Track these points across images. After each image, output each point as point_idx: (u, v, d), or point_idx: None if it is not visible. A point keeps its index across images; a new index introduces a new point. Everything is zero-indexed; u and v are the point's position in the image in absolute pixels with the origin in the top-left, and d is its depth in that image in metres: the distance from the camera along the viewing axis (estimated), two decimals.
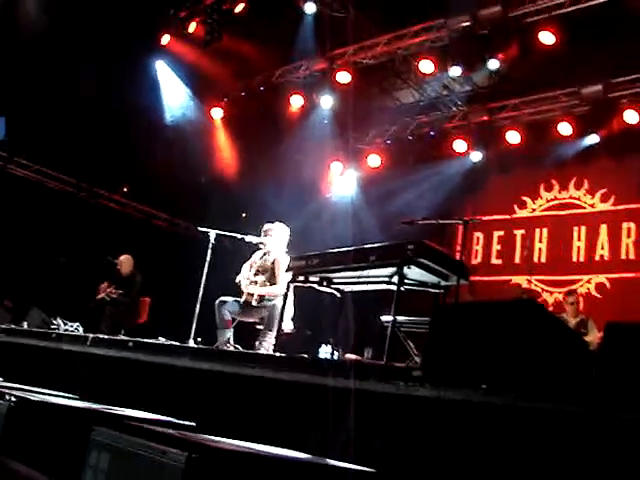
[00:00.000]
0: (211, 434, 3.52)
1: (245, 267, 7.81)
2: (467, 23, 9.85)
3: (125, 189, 13.13)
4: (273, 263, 7.54)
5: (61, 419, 3.53)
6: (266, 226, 7.82)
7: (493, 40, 9.83)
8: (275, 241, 7.73)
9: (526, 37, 9.74)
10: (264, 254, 7.78)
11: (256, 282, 7.58)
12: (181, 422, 3.90)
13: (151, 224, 13.75)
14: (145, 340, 6.84)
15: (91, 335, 6.79)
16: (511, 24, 9.71)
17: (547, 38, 9.51)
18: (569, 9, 9.37)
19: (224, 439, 3.36)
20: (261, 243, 7.75)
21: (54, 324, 9.21)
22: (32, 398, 3.75)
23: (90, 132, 10.95)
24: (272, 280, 7.49)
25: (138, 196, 13.29)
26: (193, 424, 3.90)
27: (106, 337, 6.99)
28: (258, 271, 7.67)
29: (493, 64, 10.05)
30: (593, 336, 8.36)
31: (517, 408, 3.40)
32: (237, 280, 7.69)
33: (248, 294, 7.45)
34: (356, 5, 10.63)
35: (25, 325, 8.96)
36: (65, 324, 9.28)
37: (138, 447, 2.82)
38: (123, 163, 11.88)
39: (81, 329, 9.27)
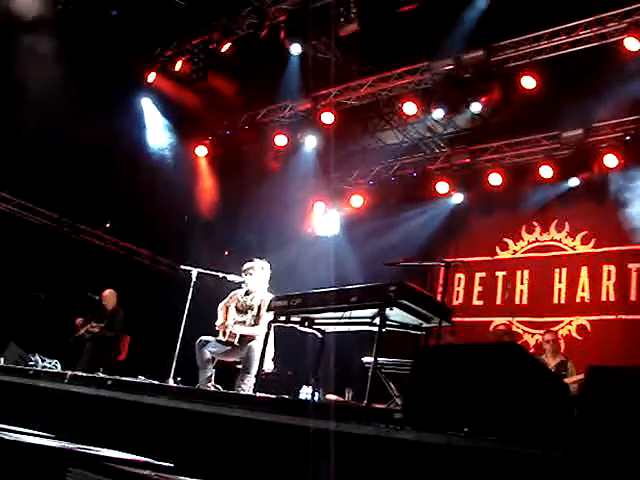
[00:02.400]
0: (189, 475, 3.47)
1: (221, 306, 7.77)
2: (450, 67, 10.02)
3: (107, 225, 13.06)
4: (260, 302, 7.50)
5: (36, 459, 3.47)
6: (246, 265, 7.79)
7: (476, 84, 10.00)
8: (257, 279, 7.70)
9: (508, 81, 9.90)
10: (246, 293, 7.75)
11: (243, 322, 7.53)
12: (159, 463, 3.84)
13: (133, 261, 13.67)
14: (124, 378, 6.75)
15: (69, 372, 6.69)
16: (493, 68, 9.89)
17: (528, 82, 9.68)
18: (550, 55, 9.56)
19: None
20: (243, 282, 7.72)
21: (32, 360, 9.10)
22: (6, 437, 3.68)
23: (73, 167, 10.92)
24: (257, 320, 7.45)
25: (120, 232, 13.23)
26: (171, 465, 3.84)
27: (84, 375, 6.90)
28: (240, 310, 7.62)
29: (476, 107, 10.22)
30: (573, 379, 8.38)
31: (499, 451, 3.38)
32: (217, 323, 7.62)
33: (230, 334, 7.40)
34: (341, 47, 10.75)
35: (2, 361, 8.83)
36: (43, 360, 9.17)
37: None
38: (106, 199, 11.84)
39: (59, 366, 9.16)
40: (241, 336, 7.37)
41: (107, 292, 10.32)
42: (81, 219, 12.71)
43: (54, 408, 6.25)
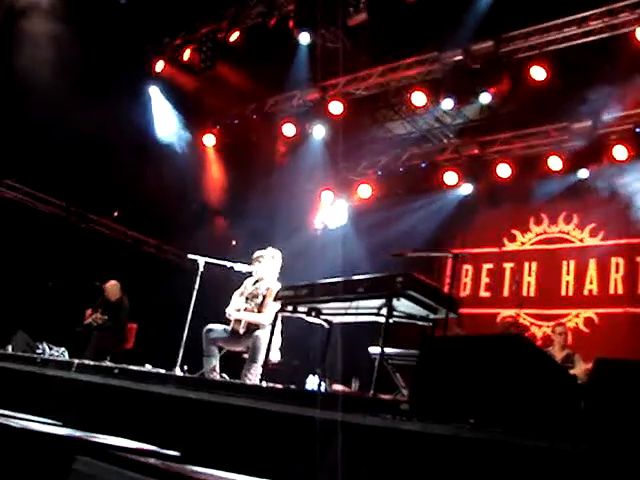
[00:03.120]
0: (196, 464, 3.48)
1: (235, 295, 7.77)
2: (460, 57, 9.97)
3: (115, 214, 13.08)
4: (266, 291, 7.50)
5: (43, 447, 3.49)
6: (257, 253, 7.80)
7: (485, 74, 9.95)
8: (266, 268, 7.70)
9: (518, 72, 9.85)
10: (256, 281, 7.75)
11: (245, 308, 7.54)
12: (166, 452, 3.85)
13: (140, 250, 13.70)
14: (131, 367, 6.78)
15: (76, 361, 6.72)
16: (503, 59, 9.83)
17: (538, 74, 9.62)
18: (560, 46, 9.51)
19: (209, 470, 3.33)
20: (252, 270, 7.72)
21: (39, 349, 9.13)
22: (13, 425, 3.70)
23: (81, 156, 10.94)
24: (260, 308, 7.45)
25: (128, 221, 13.25)
26: (178, 454, 3.85)
27: (91, 363, 6.92)
28: (248, 298, 7.63)
29: (485, 98, 10.16)
30: (579, 369, 8.37)
31: (505, 443, 3.38)
32: (228, 310, 7.63)
33: (236, 322, 7.40)
34: (350, 36, 10.72)
35: (10, 349, 8.87)
36: (50, 349, 9.21)
37: (121, 478, 2.78)
38: (114, 187, 11.85)
39: (67, 354, 9.20)
40: (247, 325, 7.37)
41: (109, 284, 10.31)
42: (89, 208, 12.74)
43: (61, 396, 6.28)
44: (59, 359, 8.34)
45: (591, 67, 9.48)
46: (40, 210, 12.20)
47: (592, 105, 9.83)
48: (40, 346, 9.18)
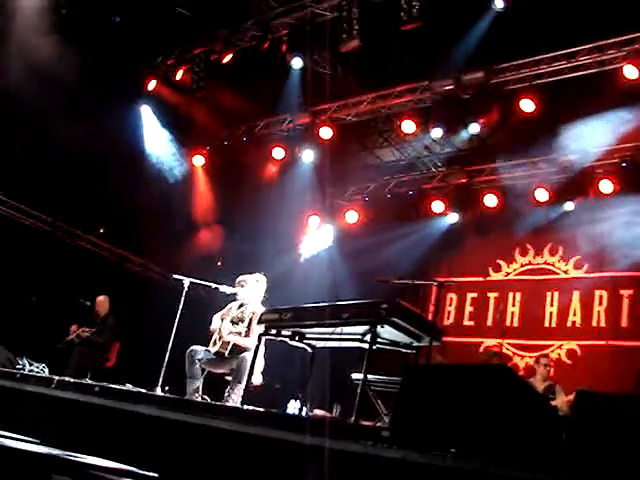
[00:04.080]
0: None
1: (216, 317, 7.75)
2: (450, 87, 10.08)
3: (101, 230, 13.04)
4: (252, 315, 7.49)
5: (20, 465, 3.45)
6: (241, 277, 7.79)
7: (475, 105, 10.05)
8: (249, 292, 7.69)
9: (507, 103, 9.95)
10: (241, 305, 7.74)
11: (237, 332, 7.51)
12: (144, 473, 3.82)
13: (125, 268, 13.64)
14: (111, 386, 6.72)
15: (56, 377, 6.65)
16: (493, 90, 9.92)
17: (527, 106, 9.71)
18: (549, 79, 9.62)
19: None
20: (235, 294, 7.71)
21: (20, 364, 9.06)
22: None
23: (69, 172, 10.92)
24: (247, 332, 7.43)
25: (114, 239, 13.21)
26: (156, 475, 3.82)
27: (72, 380, 6.86)
28: (234, 322, 7.61)
29: (474, 128, 10.25)
30: (560, 401, 8.40)
31: (486, 473, 3.37)
32: (212, 329, 7.61)
33: (222, 345, 7.38)
34: (342, 63, 10.80)
35: None
36: (31, 364, 9.13)
37: None
38: (101, 205, 11.83)
39: (47, 370, 9.12)
40: (232, 347, 7.34)
41: (101, 298, 10.33)
42: (75, 224, 12.69)
43: (40, 413, 6.21)
44: (39, 375, 8.26)
45: (579, 101, 9.58)
46: (26, 224, 12.15)
47: (579, 138, 9.93)
48: (20, 361, 9.11)
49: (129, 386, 7.49)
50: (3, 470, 3.40)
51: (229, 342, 7.35)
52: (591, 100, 9.41)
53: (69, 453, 4.09)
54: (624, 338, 10.14)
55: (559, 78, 9.58)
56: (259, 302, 7.66)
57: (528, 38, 9.27)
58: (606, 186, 10.19)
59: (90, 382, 7.57)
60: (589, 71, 9.29)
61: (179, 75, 11.79)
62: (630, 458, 3.23)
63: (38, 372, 8.89)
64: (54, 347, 9.86)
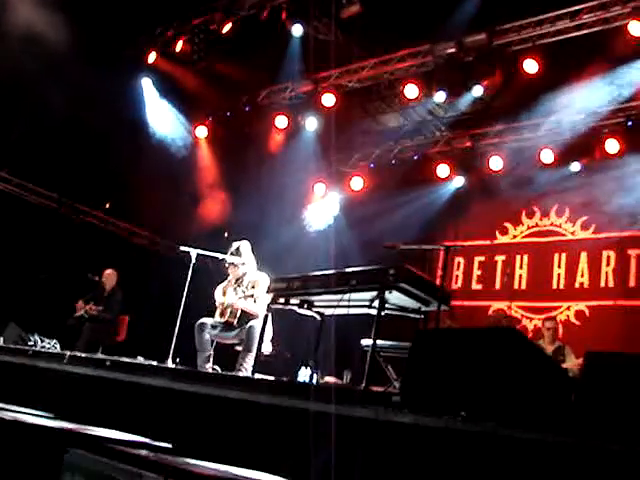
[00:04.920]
0: (188, 456, 3.48)
1: (218, 290, 7.78)
2: (452, 50, 9.96)
3: (107, 205, 13.04)
4: (252, 282, 7.53)
5: (35, 439, 3.48)
6: (234, 245, 7.81)
7: (478, 67, 9.93)
8: (245, 259, 7.73)
9: (510, 65, 9.84)
10: (239, 276, 7.76)
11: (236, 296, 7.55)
12: (158, 444, 3.85)
13: (132, 242, 13.68)
14: (123, 359, 6.78)
15: (68, 353, 6.71)
16: (496, 52, 9.81)
17: (531, 66, 9.61)
18: (553, 39, 9.51)
19: (200, 462, 3.33)
20: (233, 264, 7.73)
21: (31, 340, 9.12)
22: (5, 417, 3.70)
23: (73, 147, 10.90)
24: (251, 297, 7.47)
25: (120, 213, 13.22)
26: (169, 446, 3.86)
27: (83, 355, 6.92)
28: (237, 292, 7.63)
29: (477, 91, 10.15)
30: (571, 363, 8.42)
31: (496, 436, 3.39)
32: (217, 301, 7.64)
33: (231, 314, 7.40)
34: (343, 29, 10.68)
35: (1, 341, 8.85)
36: (42, 341, 9.19)
37: (113, 470, 2.79)
38: (106, 179, 11.83)
39: (58, 346, 9.18)
40: (240, 316, 7.38)
41: (108, 271, 10.35)
42: (81, 200, 12.70)
43: (53, 388, 6.27)
44: (51, 351, 8.33)
45: (583, 61, 9.48)
46: (32, 202, 12.16)
47: (583, 98, 9.85)
48: (32, 338, 9.17)
49: (140, 359, 7.54)
50: (19, 445, 3.43)
51: (238, 310, 7.38)
52: (596, 59, 9.31)
53: (84, 426, 4.13)
54: (632, 298, 10.15)
55: (563, 37, 9.46)
56: (254, 268, 7.71)
57: None
58: (612, 146, 10.12)
59: (102, 356, 7.64)
60: (593, 29, 9.17)
61: (179, 46, 11.70)
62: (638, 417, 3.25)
63: (49, 348, 8.96)
64: (64, 323, 9.92)
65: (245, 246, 7.81)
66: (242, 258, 7.71)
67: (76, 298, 10.19)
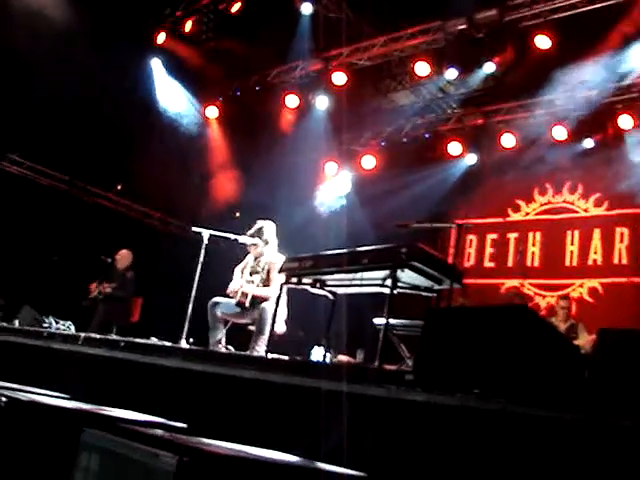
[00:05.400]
0: (202, 436, 3.50)
1: (237, 271, 7.79)
2: (463, 26, 9.88)
3: (119, 187, 13.07)
4: (269, 265, 7.53)
5: (51, 420, 3.52)
6: (254, 227, 7.80)
7: (489, 44, 9.86)
8: (264, 240, 7.71)
9: (522, 41, 9.76)
10: (256, 255, 7.76)
11: (252, 282, 7.56)
12: (172, 424, 3.88)
13: (144, 223, 13.72)
14: (137, 340, 6.82)
15: (83, 334, 6.76)
16: (507, 28, 9.72)
17: (543, 42, 9.53)
18: (565, 14, 9.41)
19: (215, 442, 3.35)
20: (254, 244, 7.72)
21: (46, 322, 9.18)
22: (22, 398, 3.73)
23: (84, 129, 10.92)
24: (266, 282, 7.48)
25: (132, 194, 13.25)
26: (185, 425, 3.88)
27: (98, 337, 6.97)
28: (252, 273, 7.65)
29: (489, 67, 10.08)
30: (584, 340, 8.42)
31: (510, 413, 3.40)
32: (230, 287, 7.65)
33: (242, 295, 7.42)
34: (352, 6, 10.63)
35: (17, 323, 8.92)
36: (57, 322, 9.25)
37: (129, 449, 2.81)
38: (117, 161, 11.84)
39: (73, 328, 9.24)
40: (253, 297, 7.39)
41: (123, 252, 10.35)
42: (93, 181, 12.74)
43: (68, 369, 6.33)
44: (65, 333, 8.39)
45: (596, 36, 9.37)
46: (43, 184, 12.21)
47: (596, 74, 9.77)
48: (47, 320, 9.23)
49: (154, 340, 7.59)
50: (37, 426, 3.47)
51: (247, 293, 7.40)
52: (608, 34, 9.21)
53: (99, 407, 4.17)
54: None
55: (575, 12, 9.36)
56: (274, 250, 7.69)
57: None
58: (625, 121, 10.05)
59: (116, 337, 7.69)
60: (605, 3, 9.07)
61: (188, 27, 11.67)
62: None
63: (64, 330, 9.02)
64: (79, 305, 9.97)
65: (267, 227, 7.78)
66: (259, 239, 7.70)
67: (89, 280, 10.24)
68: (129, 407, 4.44)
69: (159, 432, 3.32)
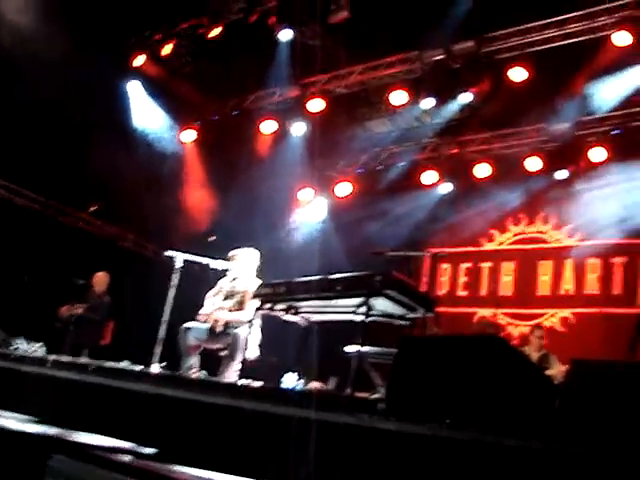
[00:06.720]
0: (172, 462, 3.47)
1: (209, 296, 7.76)
2: (441, 56, 10.02)
3: (93, 208, 12.98)
4: (245, 288, 7.50)
5: (18, 445, 3.46)
6: (233, 252, 7.80)
7: (466, 74, 9.99)
8: (242, 266, 7.70)
9: (498, 73, 9.89)
10: (233, 279, 7.75)
11: (224, 307, 7.53)
12: (142, 450, 3.84)
13: (118, 245, 13.62)
14: (107, 364, 6.74)
15: (52, 357, 6.68)
16: (484, 59, 9.87)
17: (518, 74, 9.66)
18: (540, 47, 9.57)
19: (185, 468, 3.32)
20: (226, 270, 7.71)
21: (15, 344, 9.05)
22: None
23: (59, 149, 10.85)
24: (240, 306, 7.45)
25: (106, 216, 13.16)
26: (154, 451, 3.84)
27: (67, 360, 6.88)
28: (226, 296, 7.63)
29: (465, 98, 10.20)
30: (556, 370, 8.46)
31: (482, 443, 3.40)
32: (201, 312, 7.61)
33: (215, 321, 7.39)
34: (331, 34, 10.70)
35: None
36: (28, 344, 9.12)
37: (97, 477, 2.77)
38: (92, 182, 11.76)
39: (44, 350, 9.12)
40: (226, 322, 7.36)
41: (100, 274, 10.27)
42: (67, 202, 12.64)
43: (37, 392, 6.23)
44: (34, 355, 8.27)
45: (570, 70, 9.53)
46: (17, 204, 12.09)
47: (570, 107, 9.92)
48: (17, 341, 9.10)
49: (126, 364, 7.51)
50: (3, 451, 3.41)
51: (219, 319, 7.37)
52: (582, 68, 9.37)
53: (68, 432, 4.11)
54: (617, 305, 10.21)
55: (550, 46, 9.52)
56: (252, 276, 7.67)
57: (518, 6, 9.21)
58: (597, 154, 10.19)
59: (86, 361, 7.59)
60: (580, 39, 9.25)
61: (167, 50, 11.69)
62: (622, 425, 3.26)
63: (35, 352, 8.89)
64: (50, 326, 9.85)
65: (240, 254, 7.78)
66: (234, 265, 7.69)
67: (61, 301, 10.12)
68: (98, 432, 4.39)
69: (128, 458, 3.28)
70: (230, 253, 7.79)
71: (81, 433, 4.17)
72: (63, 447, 3.27)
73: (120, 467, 2.82)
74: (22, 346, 8.96)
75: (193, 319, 7.58)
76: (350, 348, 6.39)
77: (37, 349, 9.01)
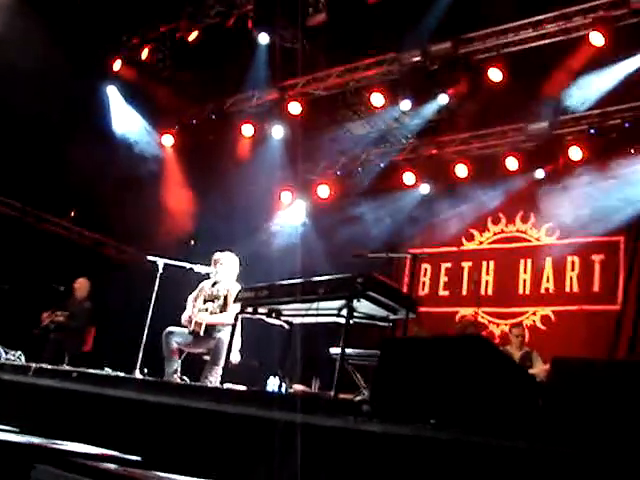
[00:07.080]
0: (157, 468, 3.45)
1: (190, 300, 7.75)
2: (418, 58, 10.05)
3: (72, 214, 12.90)
4: (226, 292, 7.51)
5: (0, 455, 3.44)
6: (216, 255, 7.80)
7: (443, 75, 10.03)
8: (225, 270, 7.70)
9: (475, 73, 9.95)
10: (214, 283, 7.74)
11: (206, 310, 7.52)
12: (127, 457, 3.82)
13: (98, 251, 13.54)
14: (90, 371, 6.71)
15: (33, 365, 6.63)
16: (461, 60, 9.92)
17: (495, 75, 9.72)
18: (516, 48, 9.64)
19: (170, 475, 3.31)
20: (208, 273, 7.71)
21: None
22: None
23: (37, 155, 10.79)
24: (223, 309, 7.45)
25: (86, 222, 13.08)
26: (139, 458, 3.83)
27: (49, 367, 6.83)
28: (207, 300, 7.62)
29: (443, 99, 10.25)
30: (538, 368, 8.52)
31: (466, 443, 3.41)
32: (184, 315, 7.60)
33: (196, 324, 7.37)
34: (309, 37, 10.71)
35: None
36: (7, 353, 9.06)
37: None
38: (71, 188, 11.69)
39: (23, 358, 9.05)
40: (207, 326, 7.34)
41: (81, 280, 10.23)
42: (45, 208, 12.55)
43: (19, 401, 6.18)
44: (15, 363, 8.21)
45: (547, 69, 9.60)
46: None
47: (548, 106, 9.99)
48: None
49: (108, 370, 7.47)
50: None
51: (201, 322, 7.36)
52: (559, 68, 9.43)
53: (51, 441, 4.08)
54: (596, 302, 10.29)
55: (526, 47, 9.60)
56: (233, 279, 7.67)
57: (494, 7, 9.27)
58: (575, 153, 10.25)
59: (68, 368, 7.55)
60: (555, 39, 9.32)
61: (144, 54, 11.65)
62: (604, 422, 3.29)
63: (14, 360, 8.83)
64: (29, 334, 9.78)
65: (224, 258, 7.78)
66: (216, 269, 7.69)
67: (41, 309, 10.06)
68: (82, 440, 4.37)
69: (113, 466, 3.26)
70: (214, 257, 7.78)
71: (64, 442, 4.14)
72: (46, 456, 3.24)
73: (105, 475, 2.81)
74: (1, 355, 8.90)
75: (175, 324, 7.56)
76: (333, 350, 6.41)
77: (17, 357, 8.96)
